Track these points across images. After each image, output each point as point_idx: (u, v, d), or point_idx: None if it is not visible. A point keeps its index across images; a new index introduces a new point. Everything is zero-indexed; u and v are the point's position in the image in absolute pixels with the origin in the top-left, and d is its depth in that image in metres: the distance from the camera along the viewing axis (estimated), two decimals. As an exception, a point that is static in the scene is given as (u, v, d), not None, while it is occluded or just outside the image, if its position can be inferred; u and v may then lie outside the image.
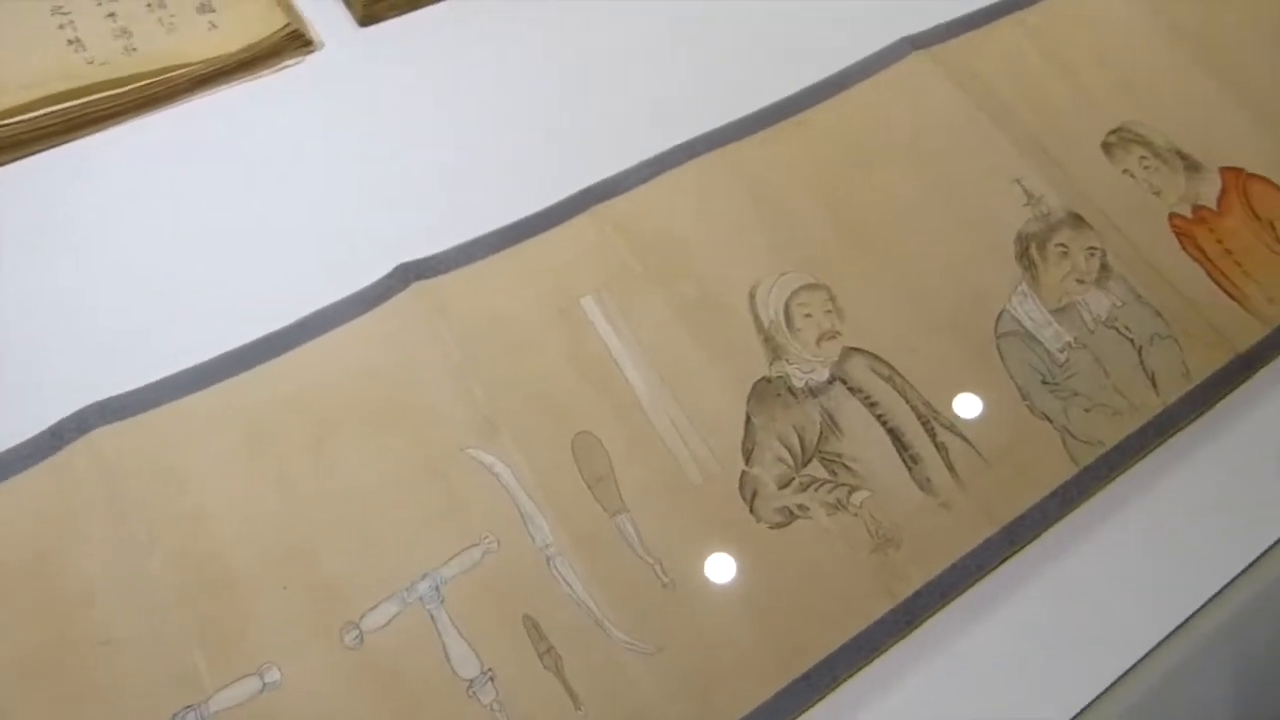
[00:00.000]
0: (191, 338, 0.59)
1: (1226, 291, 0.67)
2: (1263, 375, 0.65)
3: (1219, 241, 0.70)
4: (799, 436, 0.59)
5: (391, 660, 0.51)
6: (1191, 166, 0.73)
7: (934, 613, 0.55)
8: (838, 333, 0.63)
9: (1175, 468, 0.62)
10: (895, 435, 0.60)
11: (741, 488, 0.57)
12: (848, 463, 0.59)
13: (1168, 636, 0.57)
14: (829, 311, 0.64)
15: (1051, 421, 0.61)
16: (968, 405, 0.61)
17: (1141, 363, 0.64)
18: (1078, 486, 0.59)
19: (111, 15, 0.69)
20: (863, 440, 0.59)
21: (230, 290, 0.62)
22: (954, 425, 0.60)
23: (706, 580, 0.54)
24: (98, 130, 0.67)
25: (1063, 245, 0.68)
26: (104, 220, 0.64)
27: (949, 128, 0.73)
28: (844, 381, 0.61)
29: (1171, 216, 0.71)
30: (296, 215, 0.65)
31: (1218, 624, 0.58)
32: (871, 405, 0.60)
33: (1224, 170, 0.73)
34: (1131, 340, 0.65)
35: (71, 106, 0.65)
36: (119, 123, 0.67)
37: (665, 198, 0.67)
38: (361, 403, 0.58)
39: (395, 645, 0.51)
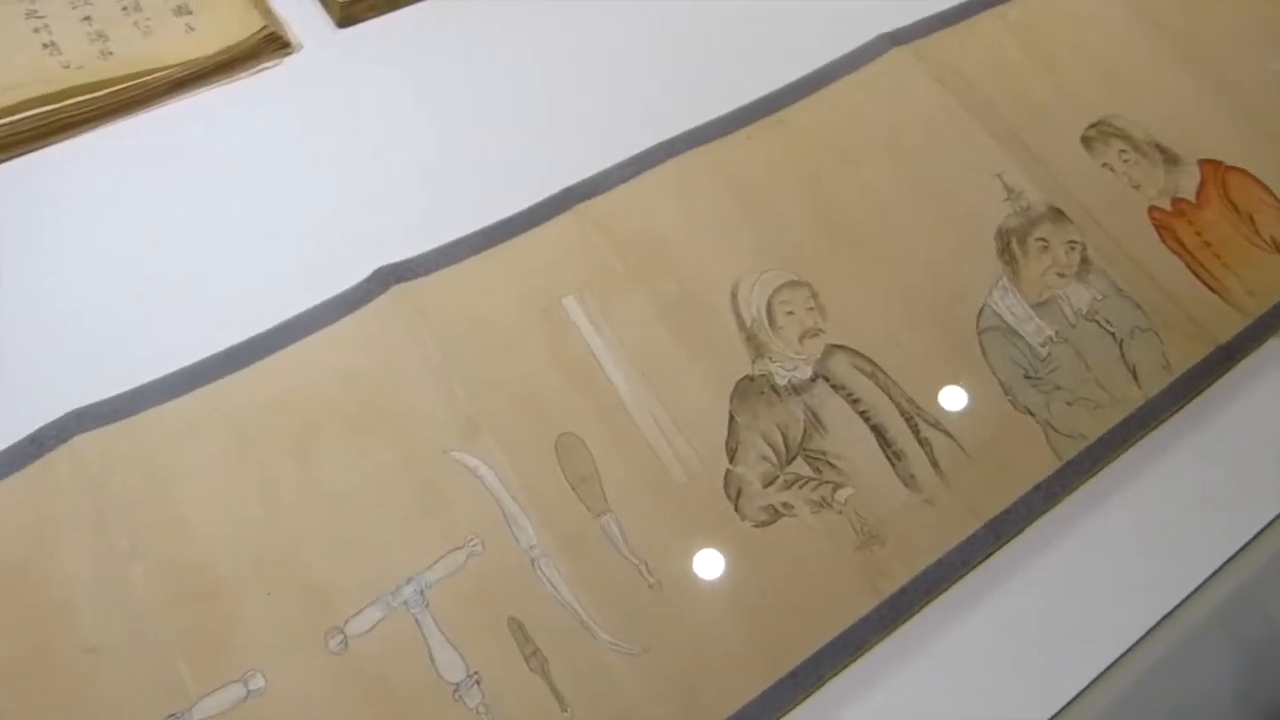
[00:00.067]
0: (171, 343, 0.59)
1: (1206, 284, 0.68)
2: (1243, 366, 0.66)
3: (1198, 234, 0.70)
4: (783, 434, 0.59)
5: (377, 665, 0.51)
6: (1170, 159, 0.74)
7: (919, 609, 0.55)
8: (820, 330, 0.63)
9: (1158, 460, 0.62)
10: (879, 432, 0.60)
11: (726, 486, 0.57)
12: (832, 460, 0.59)
13: (1153, 628, 0.57)
14: (811, 309, 0.64)
15: (1034, 416, 0.61)
16: (951, 401, 0.61)
17: (1123, 356, 0.64)
18: (1061, 480, 0.60)
19: (87, 19, 0.68)
20: (846, 437, 0.59)
21: (210, 295, 0.62)
22: (937, 421, 0.60)
23: (692, 580, 0.54)
24: (74, 135, 0.66)
25: (1043, 239, 0.68)
26: (82, 226, 0.64)
27: (929, 123, 0.73)
28: (827, 379, 0.61)
29: (1151, 209, 0.71)
30: (276, 218, 0.65)
31: (1203, 615, 0.58)
32: (855, 402, 0.61)
33: (1203, 163, 0.74)
34: (1112, 333, 0.65)
35: (47, 111, 0.64)
36: (95, 127, 0.66)
37: (646, 197, 0.67)
38: (343, 407, 0.57)
39: (380, 650, 0.51)
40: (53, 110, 0.64)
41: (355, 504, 0.55)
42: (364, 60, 0.73)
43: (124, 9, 0.69)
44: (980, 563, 0.57)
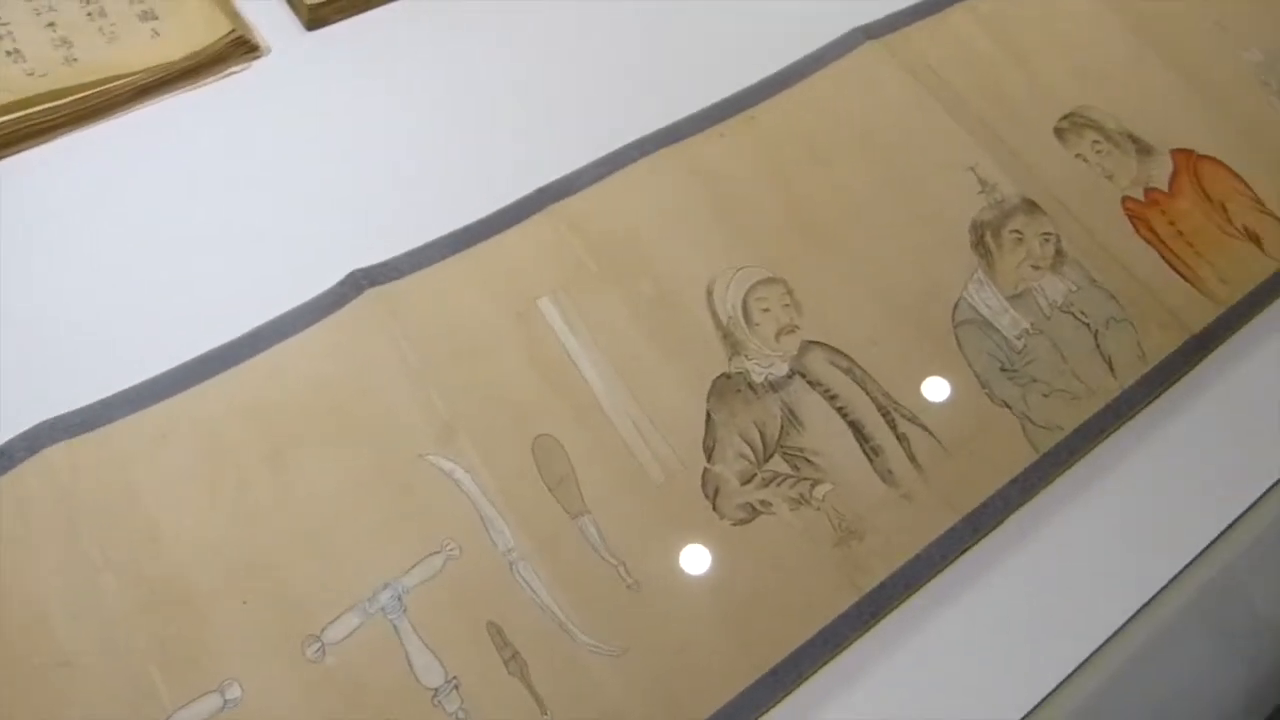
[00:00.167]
0: (143, 351, 0.58)
1: (1179, 273, 0.68)
2: (1217, 355, 0.66)
3: (1171, 223, 0.70)
4: (760, 432, 0.59)
5: (355, 672, 0.50)
6: (1143, 149, 0.74)
7: (898, 604, 0.55)
8: (796, 327, 0.63)
9: (1134, 450, 0.63)
10: (856, 428, 0.60)
11: (704, 485, 0.57)
12: (809, 457, 0.59)
13: (1132, 619, 0.57)
14: (787, 306, 0.63)
15: (1011, 408, 0.62)
16: (927, 395, 0.61)
17: (1098, 347, 0.64)
18: (1038, 472, 0.60)
19: (51, 25, 0.67)
20: (824, 434, 0.59)
21: (181, 302, 0.61)
22: (914, 416, 0.61)
23: (670, 579, 0.54)
24: (38, 143, 0.65)
25: (1017, 232, 0.68)
26: (47, 235, 0.63)
27: (902, 117, 0.73)
28: (804, 375, 0.61)
29: (1124, 200, 0.71)
30: (246, 224, 0.64)
31: (1183, 605, 0.59)
32: (832, 398, 0.60)
33: (1175, 152, 0.74)
34: (1087, 324, 0.65)
35: (10, 120, 0.63)
36: (60, 135, 0.65)
37: (620, 196, 0.67)
38: (318, 413, 0.57)
39: (358, 657, 0.51)
40: (16, 119, 0.63)
41: (331, 510, 0.54)
42: (334, 63, 0.72)
43: (88, 15, 0.68)
44: (958, 557, 0.57)
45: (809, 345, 0.62)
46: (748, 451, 0.58)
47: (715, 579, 0.55)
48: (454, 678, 0.50)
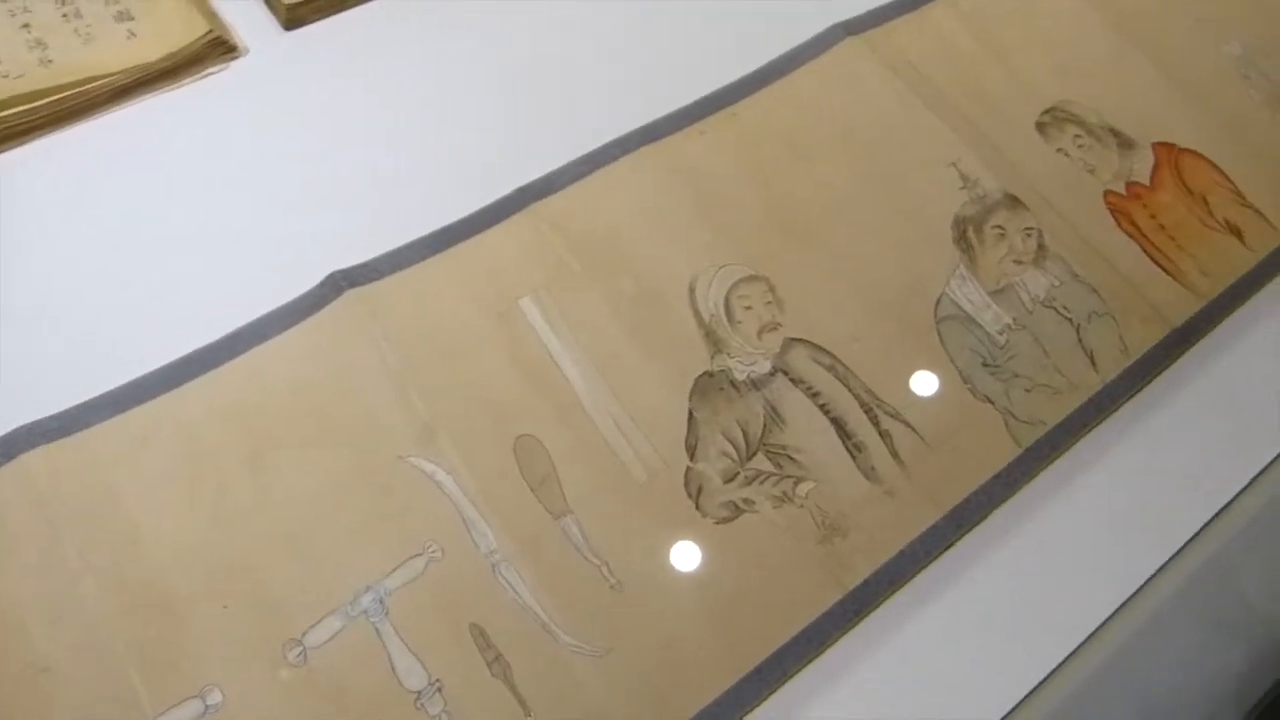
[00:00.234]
0: (121, 354, 0.58)
1: (1161, 266, 0.68)
2: (1199, 348, 0.66)
3: (1153, 217, 0.70)
4: (742, 430, 0.59)
5: (337, 676, 0.50)
6: (1125, 143, 0.74)
7: (882, 600, 0.55)
8: (778, 324, 0.63)
9: (1117, 444, 0.63)
10: (839, 424, 0.60)
11: (686, 484, 0.57)
12: (792, 454, 0.58)
13: (1117, 611, 0.58)
14: (769, 303, 0.63)
15: (993, 404, 0.62)
16: (910, 391, 0.61)
17: (1080, 341, 0.64)
18: (1021, 467, 0.60)
19: (26, 26, 0.67)
20: (806, 431, 0.59)
21: (160, 305, 0.61)
22: (897, 412, 0.60)
23: (654, 579, 0.54)
24: (14, 146, 0.65)
25: (999, 227, 0.68)
26: (24, 238, 0.63)
27: (883, 114, 0.73)
28: (786, 373, 0.61)
29: (1106, 194, 0.71)
30: (225, 225, 0.64)
31: (1168, 596, 0.59)
32: (814, 395, 0.60)
33: (1156, 146, 0.74)
34: (1070, 319, 0.65)
35: (-14, 122, 0.63)
36: (36, 138, 0.65)
37: (601, 195, 0.66)
38: (298, 415, 0.57)
39: (340, 660, 0.50)
40: (-9, 122, 0.63)
41: (311, 513, 0.54)
42: (312, 62, 0.72)
43: (64, 16, 0.68)
44: (942, 553, 0.57)
45: (791, 342, 0.62)
46: (730, 450, 0.58)
47: (699, 578, 0.54)
48: (437, 680, 0.50)
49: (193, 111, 0.68)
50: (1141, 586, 0.58)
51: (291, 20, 0.73)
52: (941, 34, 0.78)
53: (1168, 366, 0.65)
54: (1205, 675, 0.60)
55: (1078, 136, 0.74)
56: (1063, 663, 0.56)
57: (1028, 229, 0.69)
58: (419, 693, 0.50)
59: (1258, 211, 0.72)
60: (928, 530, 0.57)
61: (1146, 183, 0.72)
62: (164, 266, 0.62)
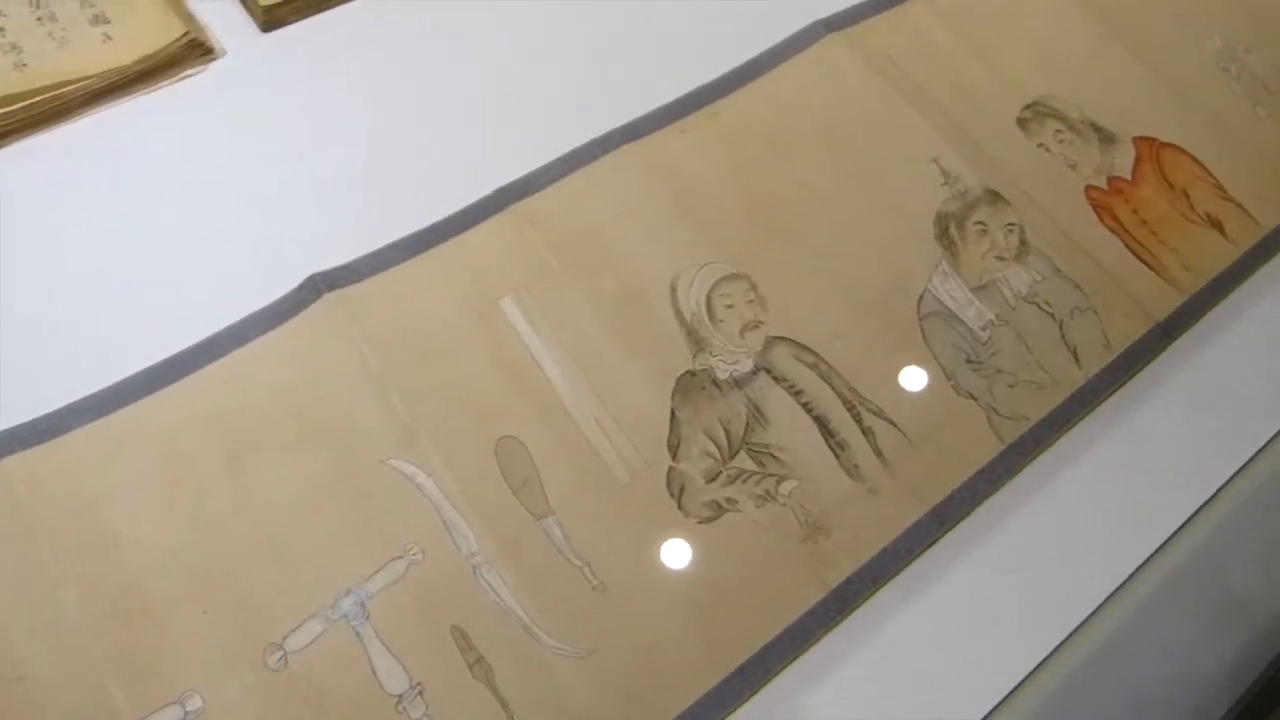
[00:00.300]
0: (100, 359, 0.57)
1: (1144, 261, 0.68)
2: (1181, 342, 0.66)
3: (1135, 211, 0.70)
4: (725, 429, 0.59)
5: (318, 680, 0.50)
6: (1106, 138, 0.74)
7: (866, 599, 0.55)
8: (760, 322, 0.63)
9: (1100, 439, 0.63)
10: (821, 423, 0.59)
11: (669, 484, 0.57)
12: (775, 453, 0.58)
13: (1101, 606, 0.57)
14: (751, 301, 0.63)
15: (977, 400, 0.61)
16: (893, 388, 0.61)
17: (1063, 336, 0.64)
18: (1004, 463, 0.60)
19: (0, 30, 0.66)
20: (789, 429, 0.59)
21: (138, 309, 0.60)
22: (880, 409, 0.60)
23: (636, 579, 0.54)
24: (-11, 151, 0.64)
25: (981, 223, 0.68)
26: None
27: (864, 110, 0.73)
28: (768, 371, 0.61)
29: (1088, 189, 0.71)
30: (204, 229, 0.63)
31: (1152, 590, 0.59)
32: (797, 394, 0.60)
33: (1137, 140, 0.74)
34: (1052, 314, 0.65)
35: (-40, 128, 0.63)
36: (11, 142, 0.64)
37: (581, 194, 0.66)
38: (277, 418, 0.56)
39: (321, 664, 0.50)
40: (-35, 127, 0.63)
41: (291, 517, 0.54)
42: (290, 64, 0.71)
43: (38, 20, 0.67)
44: (926, 550, 0.57)
45: (773, 341, 0.62)
46: (713, 449, 0.58)
47: (681, 578, 0.54)
48: (418, 684, 0.50)
49: (170, 114, 0.68)
50: (1126, 580, 0.58)
51: (269, 21, 0.72)
52: (922, 30, 0.78)
53: (1151, 361, 0.65)
54: (1195, 665, 0.60)
55: (1059, 131, 0.74)
56: (1047, 658, 0.56)
57: (1009, 225, 0.69)
58: (400, 696, 0.50)
59: (1239, 205, 0.72)
60: (911, 527, 0.57)
61: (1128, 177, 0.72)
62: (142, 270, 0.62)
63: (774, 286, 0.64)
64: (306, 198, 0.65)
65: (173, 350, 0.58)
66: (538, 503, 0.55)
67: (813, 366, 0.61)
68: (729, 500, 0.57)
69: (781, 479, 0.57)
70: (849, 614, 0.55)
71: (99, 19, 0.68)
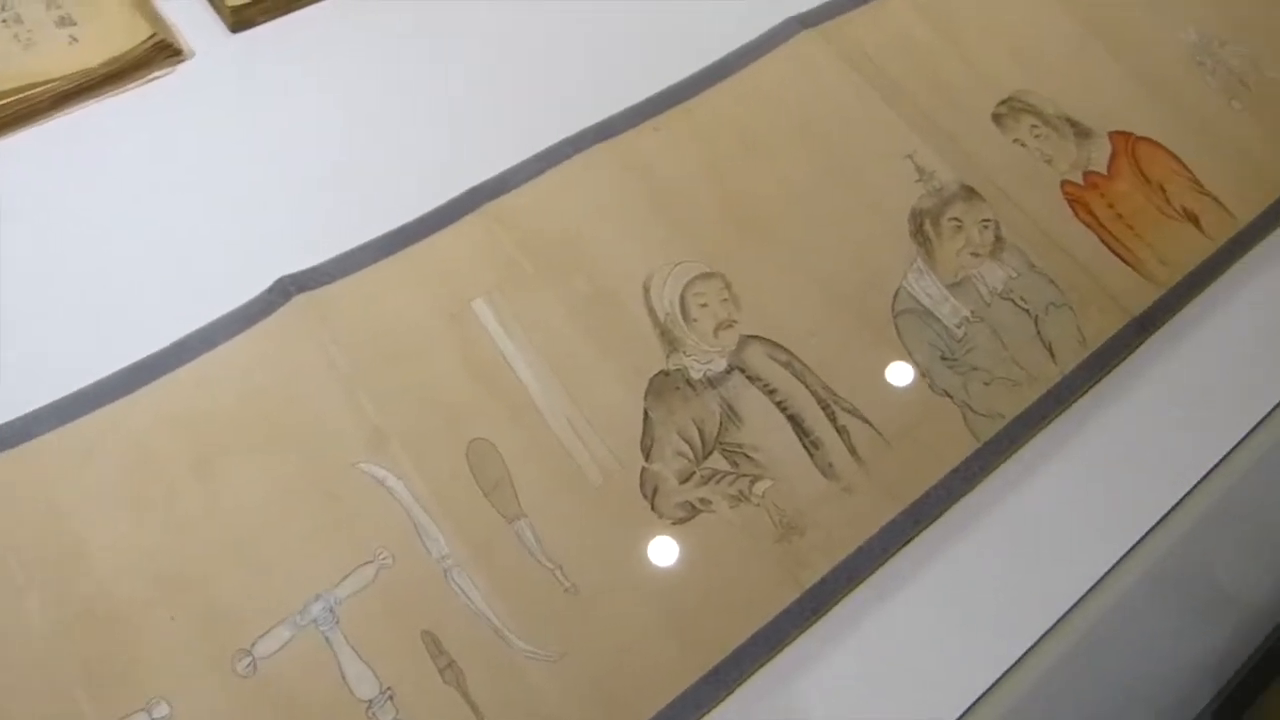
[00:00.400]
0: (67, 364, 0.57)
1: (1119, 255, 0.68)
2: (1157, 337, 0.66)
3: (1110, 206, 0.70)
4: (699, 429, 0.58)
5: (287, 686, 0.49)
6: (1081, 133, 0.74)
7: (841, 598, 0.55)
8: (734, 321, 0.62)
9: (1076, 435, 0.63)
10: (795, 422, 0.59)
11: (642, 485, 0.56)
12: (749, 453, 0.58)
13: (1078, 603, 0.57)
14: (725, 300, 0.63)
15: (952, 398, 0.61)
16: (868, 386, 0.61)
17: (1038, 333, 0.64)
18: (980, 461, 0.59)
19: (-35, 33, 0.66)
20: (763, 429, 0.59)
21: (106, 313, 0.60)
22: (855, 408, 0.60)
23: (609, 582, 0.54)
24: (-47, 154, 0.64)
25: (956, 219, 0.68)
26: (-34, 248, 0.62)
27: (839, 107, 0.72)
28: (742, 370, 0.61)
29: (1063, 184, 0.71)
30: (172, 231, 0.63)
31: (1127, 587, 0.59)
32: (771, 393, 0.60)
33: (1113, 134, 0.74)
34: (1028, 311, 0.65)
35: (-76, 131, 0.62)
36: (-23, 145, 0.64)
37: (553, 194, 0.66)
38: (246, 423, 0.56)
39: (290, 670, 0.50)
40: (-70, 130, 0.62)
41: (260, 522, 0.53)
42: (259, 64, 0.71)
43: (3, 22, 0.66)
44: (901, 548, 0.57)
45: (747, 340, 0.62)
46: (686, 449, 0.58)
47: (655, 579, 0.54)
48: (389, 689, 0.50)
49: (138, 116, 0.67)
50: (1104, 576, 0.58)
51: (238, 22, 0.71)
52: (897, 25, 0.77)
53: (1127, 356, 0.65)
54: (1178, 657, 0.60)
55: (1034, 127, 0.73)
56: (1024, 656, 0.55)
57: (985, 220, 0.68)
58: (370, 701, 0.49)
59: (1215, 199, 0.72)
60: (886, 526, 0.57)
61: (1104, 172, 0.72)
62: (110, 273, 0.61)
63: (748, 285, 0.64)
64: (276, 199, 0.65)
65: (141, 354, 0.58)
66: (509, 505, 0.55)
67: (787, 365, 0.61)
68: (703, 501, 0.56)
69: (755, 479, 0.57)
70: (824, 614, 0.54)
71: (65, 20, 0.67)
